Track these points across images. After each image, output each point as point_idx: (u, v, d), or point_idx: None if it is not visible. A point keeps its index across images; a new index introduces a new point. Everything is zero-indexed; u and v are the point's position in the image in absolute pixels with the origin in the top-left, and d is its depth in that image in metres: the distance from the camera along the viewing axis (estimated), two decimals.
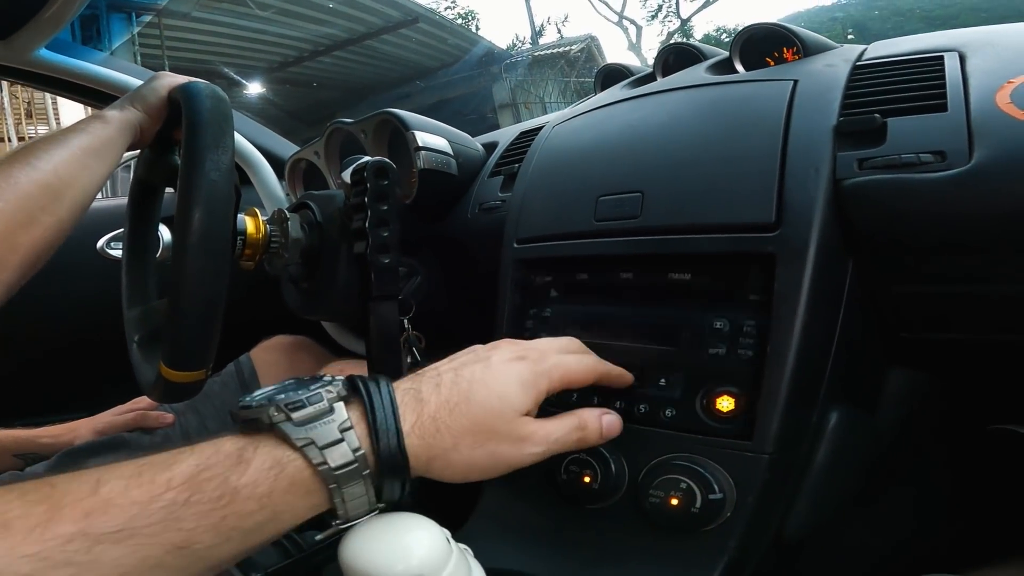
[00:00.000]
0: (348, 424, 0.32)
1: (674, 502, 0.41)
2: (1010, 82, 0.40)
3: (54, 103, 5.65)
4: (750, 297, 0.43)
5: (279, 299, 0.76)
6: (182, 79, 0.57)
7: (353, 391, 0.35)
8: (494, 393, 0.37)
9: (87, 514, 0.26)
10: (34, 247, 0.50)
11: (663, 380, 0.45)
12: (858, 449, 0.47)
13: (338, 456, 0.31)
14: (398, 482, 0.34)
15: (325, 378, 0.35)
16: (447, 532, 0.36)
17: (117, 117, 0.55)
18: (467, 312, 0.77)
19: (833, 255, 0.42)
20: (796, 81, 0.48)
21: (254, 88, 6.95)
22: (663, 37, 11.71)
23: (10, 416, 1.00)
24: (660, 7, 11.55)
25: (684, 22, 11.59)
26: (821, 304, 0.42)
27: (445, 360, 0.40)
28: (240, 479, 0.29)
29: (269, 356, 0.92)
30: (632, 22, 11.84)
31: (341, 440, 0.32)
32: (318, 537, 0.60)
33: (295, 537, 0.59)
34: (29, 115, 5.62)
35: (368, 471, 0.32)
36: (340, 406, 0.33)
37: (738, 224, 0.44)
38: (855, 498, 0.49)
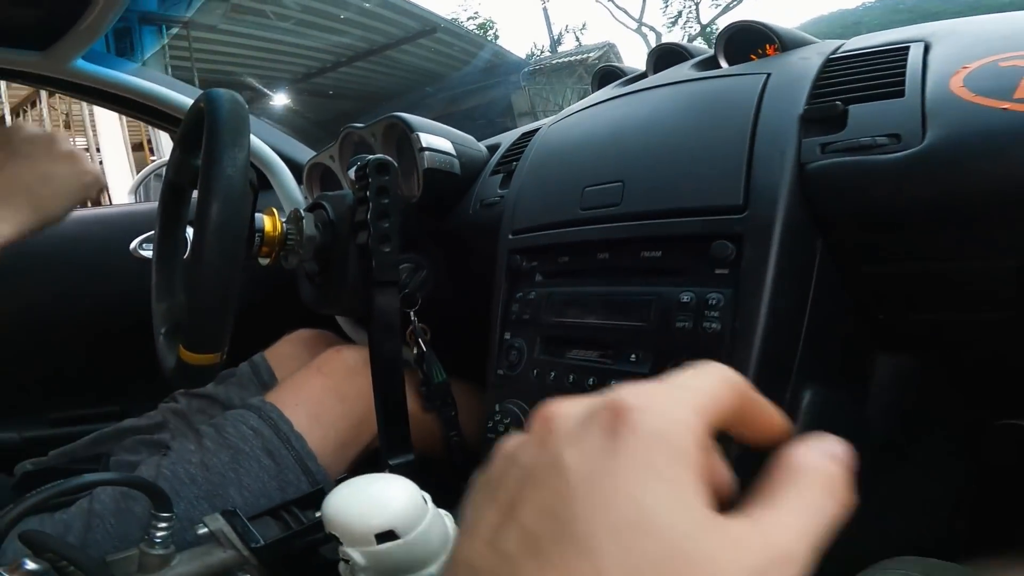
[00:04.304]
0: None
1: None
2: (965, 67, 0.42)
3: (91, 114, 5.82)
4: (716, 271, 0.45)
5: (298, 298, 0.80)
6: None
7: None
8: None
9: None
10: None
11: (633, 356, 0.47)
12: (837, 431, 0.48)
13: None
14: None
15: None
16: (426, 494, 0.37)
17: None
18: (469, 303, 0.81)
19: (799, 234, 0.44)
20: (769, 74, 0.51)
21: (280, 99, 7.13)
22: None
23: (47, 406, 1.06)
24: (680, 13, 11.52)
25: (704, 27, 11.52)
26: (788, 281, 0.44)
27: None
28: None
29: (289, 349, 0.96)
30: (652, 28, 11.82)
31: None
32: (318, 515, 0.63)
33: (297, 513, 0.62)
34: (67, 126, 5.80)
35: None
36: None
37: (709, 208, 0.46)
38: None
